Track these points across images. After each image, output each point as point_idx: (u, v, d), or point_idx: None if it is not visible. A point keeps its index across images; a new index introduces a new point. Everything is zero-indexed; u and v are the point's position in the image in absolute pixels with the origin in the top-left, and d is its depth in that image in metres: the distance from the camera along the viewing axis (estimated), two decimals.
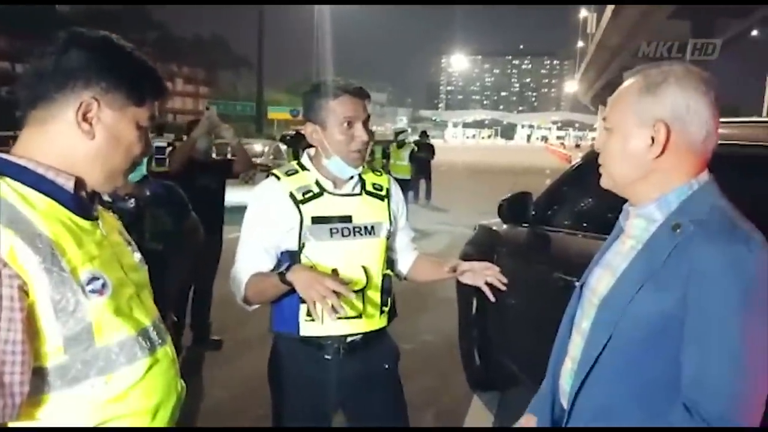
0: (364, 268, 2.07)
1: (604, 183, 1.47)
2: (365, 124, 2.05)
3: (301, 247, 2.03)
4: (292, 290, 1.88)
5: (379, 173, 2.24)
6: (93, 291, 1.14)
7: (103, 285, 1.16)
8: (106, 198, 2.86)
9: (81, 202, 1.22)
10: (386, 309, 2.15)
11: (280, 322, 2.12)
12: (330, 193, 2.09)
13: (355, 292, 2.00)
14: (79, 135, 1.19)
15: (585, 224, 3.29)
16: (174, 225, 3.20)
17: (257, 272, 2.04)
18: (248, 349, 4.96)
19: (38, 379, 1.08)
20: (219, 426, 3.68)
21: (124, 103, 1.22)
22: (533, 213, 3.64)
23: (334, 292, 1.73)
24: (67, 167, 1.19)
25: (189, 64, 75.67)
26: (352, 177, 2.12)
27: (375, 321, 2.13)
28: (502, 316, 3.86)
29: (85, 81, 1.18)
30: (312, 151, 2.16)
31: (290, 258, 2.03)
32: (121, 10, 48.56)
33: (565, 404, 1.54)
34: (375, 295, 2.11)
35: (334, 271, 1.99)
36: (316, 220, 2.04)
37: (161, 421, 1.27)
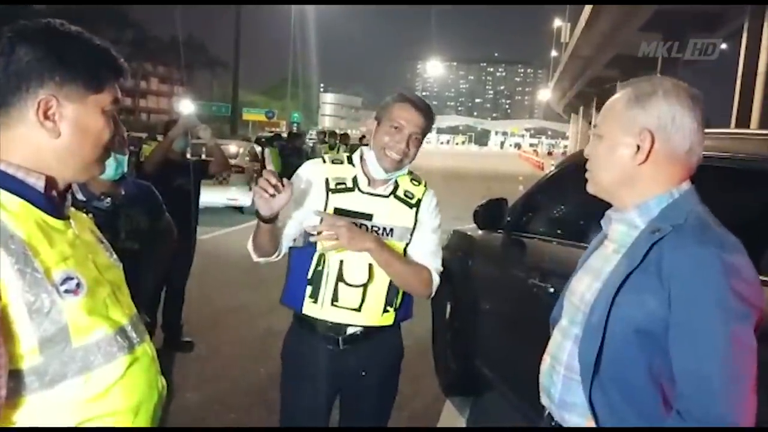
0: (370, 265, 2.13)
1: (591, 188, 1.53)
2: (413, 138, 2.15)
3: (319, 232, 2.10)
4: (301, 268, 2.13)
5: (417, 183, 2.28)
6: (67, 291, 1.12)
7: (78, 285, 1.14)
8: (80, 197, 2.84)
9: (52, 201, 1.19)
10: (391, 309, 2.21)
11: (288, 297, 2.24)
12: (361, 190, 2.18)
13: (357, 286, 2.13)
14: (44, 134, 1.16)
15: (560, 231, 3.33)
16: (148, 225, 3.17)
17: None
18: (219, 352, 4.93)
19: (15, 381, 1.06)
20: (190, 426, 3.65)
21: (83, 94, 1.19)
22: (508, 219, 3.68)
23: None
24: (37, 167, 1.17)
25: (164, 63, 75.07)
26: (386, 180, 2.20)
27: (376, 317, 2.19)
28: (476, 320, 3.89)
29: (38, 79, 1.14)
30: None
31: (307, 239, 2.16)
32: (97, 9, 48.00)
33: (545, 400, 1.59)
34: (379, 292, 2.17)
35: (341, 263, 2.12)
36: (338, 211, 2.14)
37: (144, 420, 1.25)
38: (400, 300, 2.23)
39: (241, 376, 4.50)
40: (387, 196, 2.20)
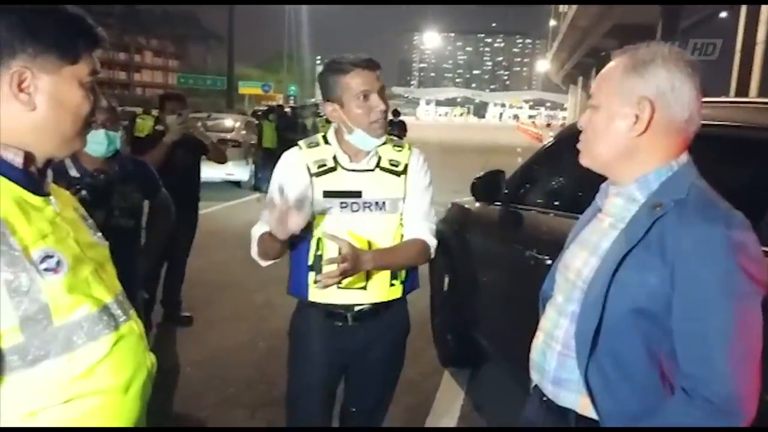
0: (369, 242, 2.12)
1: (585, 161, 1.48)
2: (380, 93, 2.10)
3: (313, 218, 2.10)
4: (300, 256, 2.13)
5: (399, 148, 2.23)
6: (47, 269, 1.10)
7: (58, 263, 1.12)
8: (73, 173, 2.82)
9: (30, 177, 1.17)
10: (397, 282, 2.21)
11: (293, 287, 2.24)
12: (344, 168, 2.15)
13: None
14: (20, 107, 1.12)
15: (557, 203, 3.32)
16: (143, 201, 3.16)
17: (265, 232, 2.10)
18: (217, 327, 4.94)
19: None
20: (190, 402, 3.67)
21: (57, 65, 1.15)
22: (505, 191, 3.66)
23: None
24: (14, 142, 1.13)
25: (158, 36, 74.28)
26: (368, 152, 2.16)
27: (383, 292, 2.19)
28: (474, 293, 3.90)
29: (9, 51, 1.10)
30: (335, 126, 2.20)
31: (305, 227, 2.11)
32: None
33: (535, 376, 1.58)
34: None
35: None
36: (327, 194, 2.13)
37: (134, 397, 1.25)
38: (405, 271, 2.22)
39: (240, 350, 4.52)
40: (372, 170, 2.17)
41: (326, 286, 2.00)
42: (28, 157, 1.16)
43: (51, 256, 1.12)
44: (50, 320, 1.10)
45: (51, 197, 1.22)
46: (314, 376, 2.26)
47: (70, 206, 1.32)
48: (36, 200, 1.16)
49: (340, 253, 1.97)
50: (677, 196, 1.32)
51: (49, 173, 1.24)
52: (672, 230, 1.29)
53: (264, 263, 2.20)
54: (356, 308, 2.18)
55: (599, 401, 1.38)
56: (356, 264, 1.98)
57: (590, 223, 1.55)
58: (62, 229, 1.19)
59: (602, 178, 1.53)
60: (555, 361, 1.49)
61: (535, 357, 1.58)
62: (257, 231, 2.16)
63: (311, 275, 2.13)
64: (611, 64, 1.44)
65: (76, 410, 1.15)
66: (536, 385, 1.59)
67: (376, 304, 2.19)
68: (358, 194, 2.13)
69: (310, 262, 2.14)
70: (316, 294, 2.14)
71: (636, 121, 1.36)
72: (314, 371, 2.25)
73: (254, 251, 2.18)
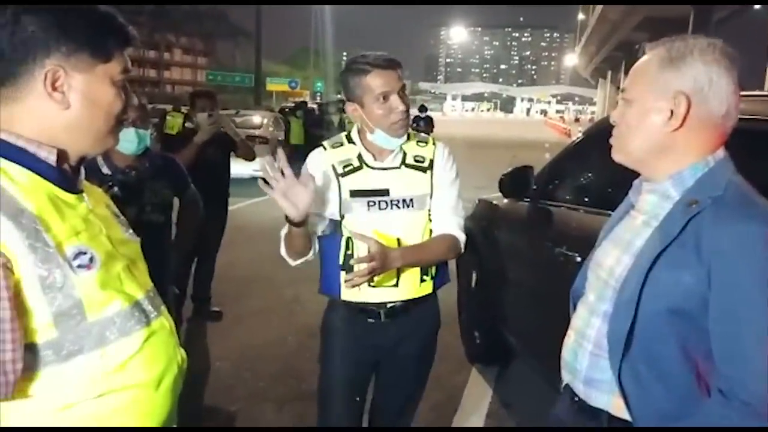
0: (398, 240, 2.12)
1: (617, 157, 1.45)
2: (401, 94, 2.09)
3: (342, 217, 2.12)
4: (331, 256, 2.14)
5: (424, 144, 2.22)
6: (80, 266, 1.11)
7: (91, 259, 1.14)
8: (105, 170, 2.86)
9: (64, 175, 1.18)
10: (428, 278, 2.21)
11: (325, 285, 2.24)
12: (369, 166, 2.15)
13: None
14: (54, 106, 1.14)
15: (587, 199, 3.28)
16: (173, 197, 3.20)
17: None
18: (247, 322, 4.98)
19: (31, 355, 1.07)
20: (220, 396, 3.71)
21: (90, 63, 1.16)
22: (534, 187, 3.63)
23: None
24: (48, 139, 1.15)
25: (187, 34, 74.92)
26: (393, 150, 2.15)
27: (414, 289, 2.18)
28: (502, 289, 3.87)
29: (44, 49, 1.12)
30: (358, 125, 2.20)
31: (333, 227, 2.16)
32: None
33: (566, 376, 1.55)
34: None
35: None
36: (354, 193, 2.13)
37: (165, 392, 1.26)
38: (435, 267, 2.22)
39: (269, 345, 4.54)
40: (399, 167, 2.16)
41: (356, 285, 2.00)
42: (62, 155, 1.17)
43: (84, 253, 1.13)
44: (84, 316, 1.11)
45: (84, 194, 1.23)
46: (346, 372, 2.26)
47: (103, 203, 1.33)
48: (69, 197, 1.18)
49: (368, 252, 1.97)
50: (714, 193, 1.29)
51: (82, 171, 1.26)
52: (708, 228, 1.25)
53: (293, 262, 2.21)
54: (388, 305, 2.18)
55: (632, 402, 1.36)
56: (385, 262, 1.97)
57: (623, 220, 1.52)
58: (95, 226, 1.21)
59: (633, 174, 1.50)
60: (587, 360, 1.47)
61: (566, 356, 1.55)
62: (285, 230, 2.17)
63: (342, 274, 2.13)
64: (645, 57, 1.40)
65: (108, 405, 1.17)
66: (567, 384, 1.56)
67: (407, 300, 2.19)
68: (385, 192, 2.13)
69: (341, 262, 2.14)
70: (348, 293, 2.15)
71: (671, 116, 1.32)
72: (346, 368, 2.26)
73: (283, 249, 2.19)
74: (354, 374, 2.28)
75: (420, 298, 2.21)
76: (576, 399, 1.52)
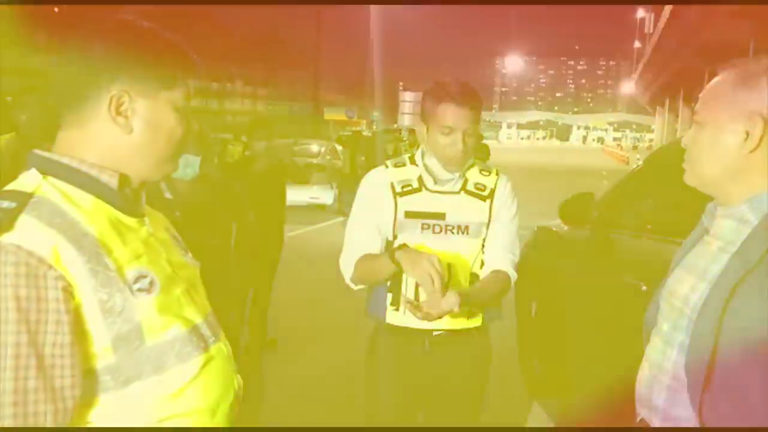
0: (449, 265, 2.07)
1: (690, 181, 1.41)
2: (467, 132, 2.06)
3: (394, 237, 2.12)
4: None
5: (487, 173, 2.19)
6: (140, 290, 1.11)
7: (151, 283, 1.13)
8: (167, 196, 2.91)
9: (126, 199, 1.19)
10: (477, 310, 2.15)
11: (373, 306, 2.21)
12: (428, 189, 2.13)
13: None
14: (117, 130, 1.15)
15: (650, 226, 3.17)
16: (232, 223, 3.23)
17: (367, 253, 2.12)
18: (302, 349, 4.98)
19: (89, 380, 1.06)
20: (273, 424, 3.69)
21: (155, 90, 1.18)
22: (596, 214, 3.54)
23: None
24: (110, 164, 1.16)
25: (247, 64, 76.87)
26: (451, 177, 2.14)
27: (460, 320, 2.12)
28: (563, 319, 3.76)
29: (110, 74, 1.14)
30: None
31: (385, 246, 2.15)
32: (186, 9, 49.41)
33: (643, 411, 1.47)
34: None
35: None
36: (409, 214, 2.12)
37: (221, 419, 1.24)
38: None
39: (326, 374, 4.53)
40: (457, 192, 2.13)
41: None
42: (124, 180, 1.18)
43: (144, 276, 1.13)
44: (142, 340, 1.10)
45: (145, 218, 1.24)
46: (390, 400, 2.22)
47: (163, 227, 1.34)
48: (130, 221, 1.18)
49: (416, 289, 1.97)
50: None
51: (143, 195, 1.27)
52: None
53: (355, 287, 2.20)
54: (434, 333, 2.14)
55: None
56: (437, 313, 1.90)
57: (696, 246, 1.45)
58: (155, 250, 1.21)
59: (701, 200, 1.44)
60: (665, 395, 1.39)
61: (641, 390, 1.48)
62: (357, 252, 2.14)
63: (389, 297, 2.12)
64: (717, 78, 1.36)
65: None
66: (641, 419, 1.48)
67: (454, 330, 2.13)
68: (441, 216, 2.11)
69: (388, 284, 2.12)
70: (394, 317, 2.13)
71: (747, 138, 1.28)
72: (390, 395, 2.22)
73: (349, 273, 2.17)
74: (399, 403, 2.22)
75: (468, 329, 2.16)
76: None
